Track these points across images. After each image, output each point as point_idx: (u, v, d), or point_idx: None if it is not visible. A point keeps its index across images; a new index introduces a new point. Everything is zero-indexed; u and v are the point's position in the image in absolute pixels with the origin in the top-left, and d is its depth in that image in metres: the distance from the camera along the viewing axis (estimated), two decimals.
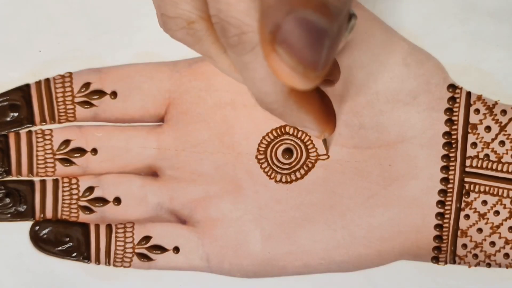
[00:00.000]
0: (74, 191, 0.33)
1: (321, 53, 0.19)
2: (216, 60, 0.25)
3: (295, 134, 0.33)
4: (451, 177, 0.32)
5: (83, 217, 0.33)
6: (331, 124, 0.26)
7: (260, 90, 0.22)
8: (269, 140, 0.33)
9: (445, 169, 0.32)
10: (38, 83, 0.33)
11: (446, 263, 0.32)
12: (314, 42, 0.18)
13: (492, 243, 0.32)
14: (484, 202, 0.32)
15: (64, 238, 0.33)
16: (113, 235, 0.33)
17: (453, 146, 0.32)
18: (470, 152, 0.32)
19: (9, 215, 0.33)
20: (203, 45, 0.24)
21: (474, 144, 0.32)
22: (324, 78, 0.22)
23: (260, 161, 0.33)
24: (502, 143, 0.32)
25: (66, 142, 0.33)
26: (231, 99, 0.33)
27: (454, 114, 0.32)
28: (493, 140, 0.32)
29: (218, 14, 0.21)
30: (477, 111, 0.32)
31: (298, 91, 0.23)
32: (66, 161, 0.33)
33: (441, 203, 0.32)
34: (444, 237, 0.32)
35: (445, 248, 0.32)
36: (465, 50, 0.31)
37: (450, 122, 0.32)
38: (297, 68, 0.18)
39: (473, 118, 0.32)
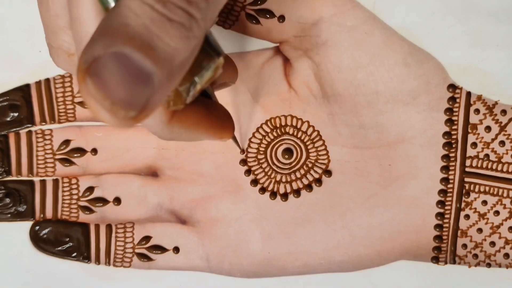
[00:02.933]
0: (74, 191, 0.33)
1: (138, 95, 0.18)
2: None
3: (295, 134, 0.33)
4: (451, 177, 0.32)
5: (83, 217, 0.33)
6: (227, 130, 0.25)
7: (143, 124, 0.22)
8: (269, 140, 0.33)
9: (445, 169, 0.32)
10: (38, 83, 0.33)
11: (446, 263, 0.32)
12: (130, 81, 0.18)
13: (492, 243, 0.32)
14: (484, 202, 0.32)
15: (64, 238, 0.33)
16: (113, 235, 0.33)
17: (453, 146, 0.32)
18: (470, 152, 0.32)
19: (9, 215, 0.33)
20: None
21: (474, 144, 0.32)
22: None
23: (260, 161, 0.33)
24: (502, 143, 0.32)
25: (66, 142, 0.33)
26: (231, 99, 0.33)
27: (454, 114, 0.32)
28: (493, 140, 0.32)
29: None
30: (477, 111, 0.32)
31: (179, 116, 0.22)
32: (66, 161, 0.33)
33: (441, 203, 0.32)
34: (444, 237, 0.32)
35: (445, 248, 0.32)
36: (465, 50, 0.31)
37: (450, 122, 0.32)
38: (103, 103, 0.18)
39: (473, 118, 0.32)
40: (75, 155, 0.33)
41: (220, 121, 0.25)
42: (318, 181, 0.33)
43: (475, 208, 0.32)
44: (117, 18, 0.18)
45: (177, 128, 0.23)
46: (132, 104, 0.18)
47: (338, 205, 0.33)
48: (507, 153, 0.32)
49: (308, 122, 0.32)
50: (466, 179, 0.32)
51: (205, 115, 0.24)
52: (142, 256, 0.33)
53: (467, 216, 0.32)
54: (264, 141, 0.33)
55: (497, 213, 0.32)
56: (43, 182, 0.33)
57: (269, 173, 0.33)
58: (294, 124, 0.33)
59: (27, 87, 0.33)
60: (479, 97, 0.32)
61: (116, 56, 0.17)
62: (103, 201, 0.33)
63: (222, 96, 0.33)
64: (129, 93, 0.18)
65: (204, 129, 0.24)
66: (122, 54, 0.17)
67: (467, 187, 0.32)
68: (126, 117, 0.18)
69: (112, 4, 0.20)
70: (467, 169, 0.32)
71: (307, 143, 0.33)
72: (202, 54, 0.21)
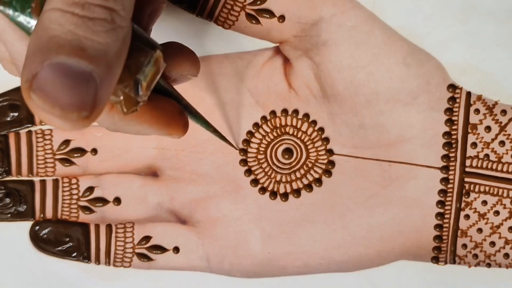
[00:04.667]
0: (74, 191, 0.33)
1: (85, 94, 0.19)
2: None
3: (295, 134, 0.33)
4: (451, 177, 0.32)
5: (83, 217, 0.33)
6: (177, 126, 0.25)
7: None
8: (269, 140, 0.33)
9: (445, 169, 0.32)
10: None
11: (446, 263, 0.32)
12: (73, 84, 0.19)
13: (492, 243, 0.32)
14: (484, 202, 0.32)
15: (64, 238, 0.33)
16: (113, 235, 0.33)
17: (453, 146, 0.32)
18: (470, 152, 0.32)
19: (9, 215, 0.33)
20: None
21: (474, 144, 0.32)
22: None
23: (260, 161, 0.33)
24: (502, 143, 0.32)
25: (66, 142, 0.33)
26: (231, 99, 0.33)
27: (454, 114, 0.32)
28: (493, 140, 0.32)
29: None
30: (477, 111, 0.32)
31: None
32: (66, 161, 0.33)
33: (441, 203, 0.32)
34: (444, 237, 0.32)
35: (445, 248, 0.32)
36: (465, 50, 0.31)
37: (450, 122, 0.32)
38: (52, 111, 0.19)
39: (473, 118, 0.32)
40: (75, 155, 0.33)
41: (167, 117, 0.25)
42: (318, 181, 0.33)
43: (475, 208, 0.32)
44: (44, 32, 0.19)
45: (117, 119, 0.23)
46: (82, 104, 0.19)
47: (338, 205, 0.33)
48: (507, 153, 0.32)
49: (308, 122, 0.32)
50: (466, 179, 0.32)
51: (148, 110, 0.24)
52: (142, 256, 0.33)
53: (467, 216, 0.32)
54: (264, 141, 0.33)
55: (497, 213, 0.32)
56: (43, 182, 0.33)
57: (269, 173, 0.33)
58: (294, 124, 0.33)
59: None
60: (479, 97, 0.32)
61: (52, 66, 0.19)
62: (103, 201, 0.33)
63: (223, 96, 0.33)
64: (76, 95, 0.19)
65: (149, 123, 0.24)
66: (57, 63, 0.19)
67: (467, 187, 0.32)
68: (79, 118, 0.19)
69: (32, 25, 0.21)
70: (467, 169, 0.32)
71: (307, 143, 0.33)
72: (137, 52, 0.21)
